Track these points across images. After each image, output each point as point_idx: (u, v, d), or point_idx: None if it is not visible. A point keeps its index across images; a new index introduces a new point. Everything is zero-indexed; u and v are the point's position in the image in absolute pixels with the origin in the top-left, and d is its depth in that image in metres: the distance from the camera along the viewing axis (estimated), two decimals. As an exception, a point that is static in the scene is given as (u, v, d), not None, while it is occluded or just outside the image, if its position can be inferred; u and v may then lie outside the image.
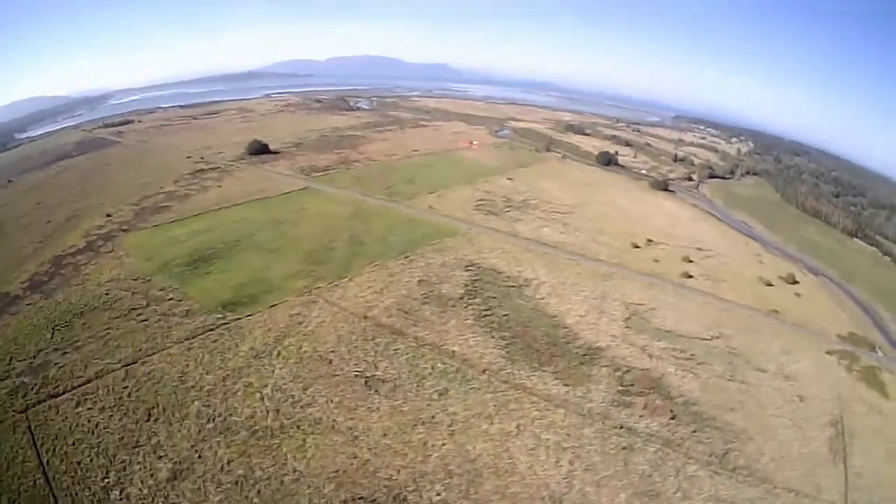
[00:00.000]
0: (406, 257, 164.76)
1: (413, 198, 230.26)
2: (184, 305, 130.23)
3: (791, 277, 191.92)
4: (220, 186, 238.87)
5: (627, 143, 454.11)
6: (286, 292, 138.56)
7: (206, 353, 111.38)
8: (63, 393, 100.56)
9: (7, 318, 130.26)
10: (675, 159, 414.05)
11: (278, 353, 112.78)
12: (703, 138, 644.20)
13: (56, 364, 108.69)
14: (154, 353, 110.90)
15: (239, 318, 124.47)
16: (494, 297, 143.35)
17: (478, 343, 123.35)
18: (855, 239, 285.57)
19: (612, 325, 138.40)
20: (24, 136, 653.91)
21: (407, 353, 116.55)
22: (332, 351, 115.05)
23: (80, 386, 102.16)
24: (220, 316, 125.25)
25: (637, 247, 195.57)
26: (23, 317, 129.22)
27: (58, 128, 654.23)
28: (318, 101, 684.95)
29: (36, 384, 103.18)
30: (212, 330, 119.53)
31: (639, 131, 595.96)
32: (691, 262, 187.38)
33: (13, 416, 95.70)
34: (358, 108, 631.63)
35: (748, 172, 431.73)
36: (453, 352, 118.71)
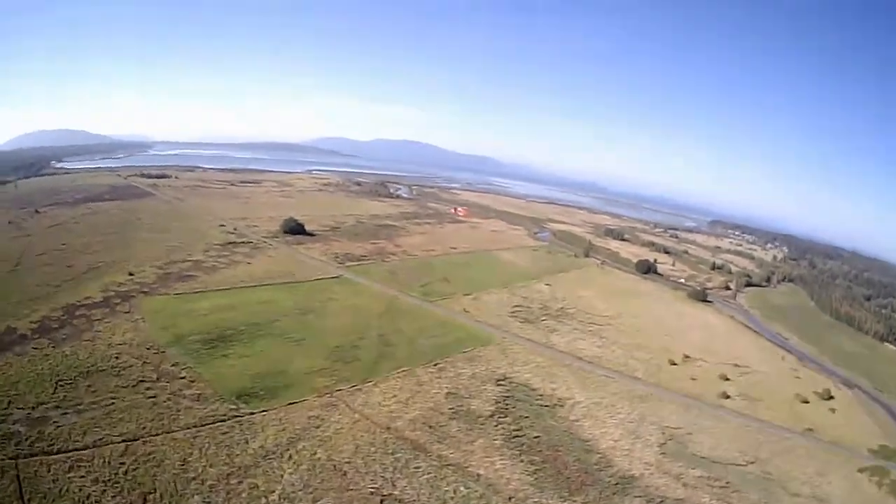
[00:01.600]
0: (436, 365, 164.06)
1: (448, 298, 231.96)
2: (196, 388, 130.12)
3: (826, 393, 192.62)
4: (249, 263, 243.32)
5: (666, 251, 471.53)
6: (305, 390, 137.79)
7: (212, 444, 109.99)
8: (58, 453, 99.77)
9: (11, 356, 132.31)
10: (713, 267, 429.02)
11: (290, 457, 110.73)
12: (740, 245, 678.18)
13: (55, 422, 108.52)
14: (158, 434, 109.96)
15: (253, 413, 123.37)
16: (526, 417, 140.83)
17: (505, 466, 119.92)
18: (886, 343, 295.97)
19: (647, 451, 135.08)
20: (59, 165, 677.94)
21: (429, 473, 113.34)
22: (348, 462, 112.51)
23: (75, 450, 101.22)
24: (232, 406, 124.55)
25: (674, 364, 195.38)
26: (27, 360, 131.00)
27: (94, 166, 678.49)
28: (358, 184, 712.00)
29: (31, 437, 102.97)
30: (222, 420, 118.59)
31: (677, 237, 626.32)
32: (728, 380, 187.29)
33: (3, 460, 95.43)
34: (398, 196, 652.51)
35: (784, 279, 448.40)
36: (478, 475, 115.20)
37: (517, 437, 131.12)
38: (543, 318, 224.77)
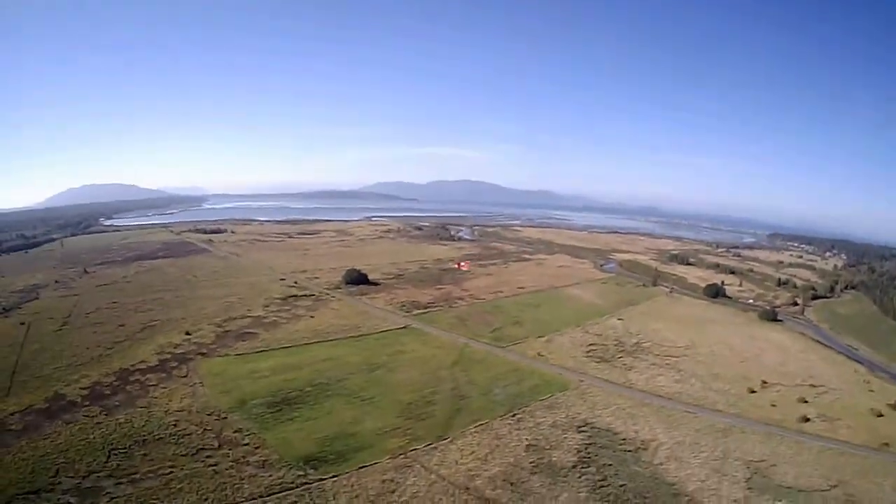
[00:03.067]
0: (514, 415, 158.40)
1: (521, 342, 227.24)
2: (260, 454, 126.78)
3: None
4: (312, 317, 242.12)
5: (732, 271, 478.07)
6: (378, 452, 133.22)
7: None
8: None
9: (60, 425, 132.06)
10: (779, 283, 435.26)
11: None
12: (800, 256, 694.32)
13: (108, 493, 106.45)
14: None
15: (322, 479, 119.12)
16: (610, 465, 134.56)
17: None
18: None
19: (734, 488, 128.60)
20: (109, 223, 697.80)
21: None
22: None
23: None
24: (300, 473, 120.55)
25: (753, 391, 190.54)
26: (77, 428, 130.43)
27: (146, 222, 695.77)
28: (419, 229, 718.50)
29: None
30: (290, 489, 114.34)
31: (739, 255, 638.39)
32: (807, 402, 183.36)
33: None
34: (460, 238, 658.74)
35: (846, 287, 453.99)
36: None
37: (603, 487, 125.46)
38: (619, 355, 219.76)
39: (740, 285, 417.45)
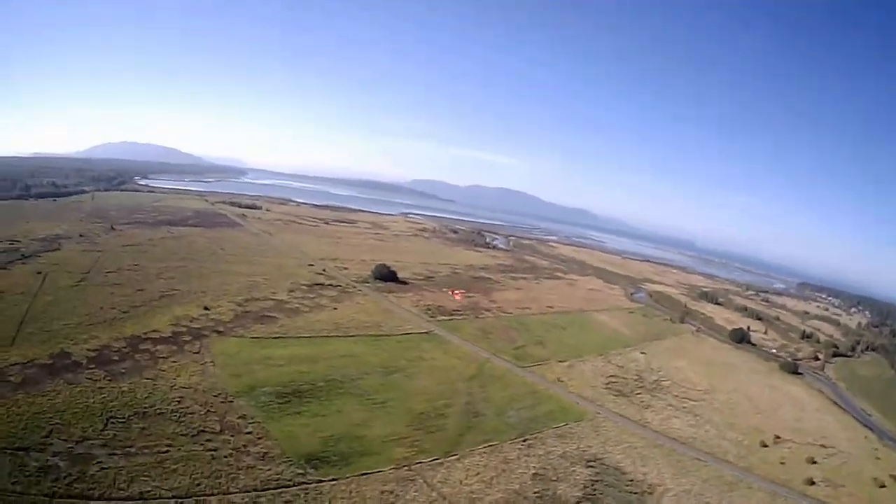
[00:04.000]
0: (524, 440, 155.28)
1: (542, 364, 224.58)
2: (262, 445, 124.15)
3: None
4: (335, 309, 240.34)
5: (758, 317, 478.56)
6: (382, 460, 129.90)
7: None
8: (98, 499, 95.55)
9: (61, 384, 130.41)
10: (803, 336, 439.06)
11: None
12: (826, 309, 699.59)
13: (99, 462, 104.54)
14: (213, 495, 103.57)
15: (322, 481, 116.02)
16: None
17: None
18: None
19: None
20: (143, 182, 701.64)
21: None
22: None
23: (118, 500, 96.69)
24: (300, 471, 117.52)
25: (765, 445, 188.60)
26: (78, 390, 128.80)
27: (182, 187, 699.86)
28: (455, 232, 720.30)
29: (71, 474, 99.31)
30: (287, 486, 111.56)
31: (767, 301, 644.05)
32: (815, 462, 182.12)
33: (36, 496, 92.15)
34: (494, 247, 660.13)
35: (867, 348, 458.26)
36: None
37: None
38: (638, 391, 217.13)
39: (765, 332, 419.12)
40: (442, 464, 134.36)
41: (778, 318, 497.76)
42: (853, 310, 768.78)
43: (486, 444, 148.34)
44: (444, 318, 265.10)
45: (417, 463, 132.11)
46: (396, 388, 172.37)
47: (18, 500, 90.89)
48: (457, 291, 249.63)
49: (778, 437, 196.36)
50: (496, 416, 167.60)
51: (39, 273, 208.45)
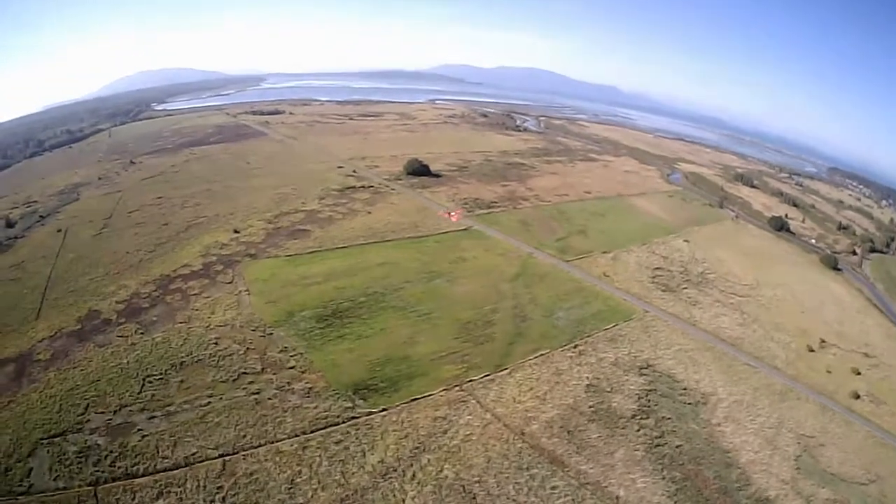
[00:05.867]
0: (575, 346, 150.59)
1: (585, 257, 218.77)
2: (306, 380, 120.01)
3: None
4: (369, 212, 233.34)
5: (795, 204, 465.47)
6: (432, 381, 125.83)
7: (324, 458, 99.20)
8: (144, 475, 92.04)
9: (92, 349, 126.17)
10: (839, 227, 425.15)
11: (413, 476, 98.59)
12: (858, 199, 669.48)
13: (140, 430, 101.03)
14: (261, 446, 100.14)
15: (371, 413, 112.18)
16: (669, 418, 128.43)
17: (646, 486, 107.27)
18: None
19: (784, 465, 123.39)
20: (161, 107, 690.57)
21: (566, 495, 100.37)
22: (478, 481, 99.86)
23: (164, 471, 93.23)
24: (348, 405, 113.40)
25: (812, 350, 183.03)
26: (111, 352, 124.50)
27: (201, 105, 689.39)
28: (485, 116, 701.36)
29: (112, 451, 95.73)
30: (336, 424, 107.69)
31: (801, 186, 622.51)
32: (860, 374, 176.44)
33: (80, 486, 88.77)
34: (525, 129, 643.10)
35: None
36: (617, 497, 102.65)
37: (659, 446, 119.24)
38: (684, 285, 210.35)
39: (803, 221, 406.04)
40: (493, 380, 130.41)
41: (813, 206, 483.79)
42: (884, 202, 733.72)
43: (536, 354, 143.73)
44: (482, 211, 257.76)
45: (468, 381, 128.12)
46: (440, 296, 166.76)
47: (62, 496, 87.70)
48: (453, 212, 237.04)
49: (823, 342, 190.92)
50: (544, 320, 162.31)
51: (59, 231, 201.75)
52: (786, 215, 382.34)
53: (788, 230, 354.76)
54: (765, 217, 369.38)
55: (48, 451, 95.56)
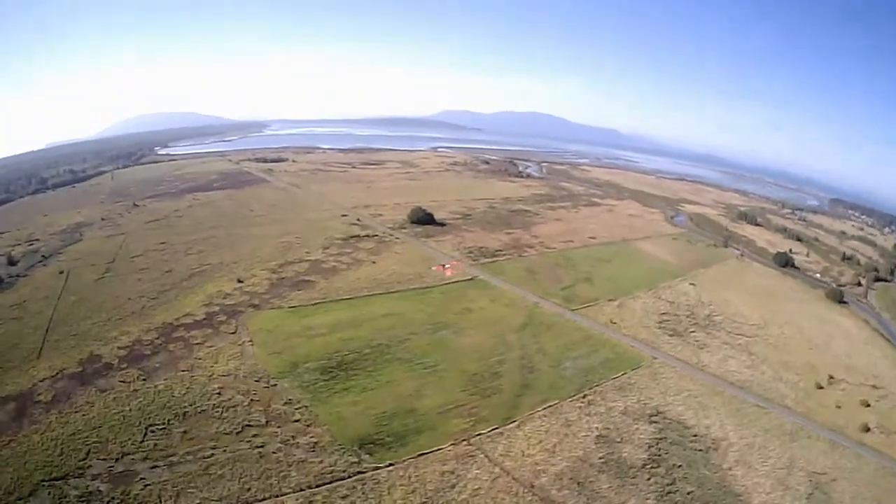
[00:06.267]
0: (584, 396, 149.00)
1: (591, 305, 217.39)
2: (311, 434, 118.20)
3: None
4: (374, 262, 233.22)
5: (798, 238, 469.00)
6: (439, 436, 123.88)
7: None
8: None
9: (93, 393, 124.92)
10: (843, 258, 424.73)
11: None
12: (861, 229, 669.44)
13: (142, 479, 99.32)
14: (265, 500, 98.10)
15: (378, 468, 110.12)
16: (680, 466, 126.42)
17: None
18: None
19: None
20: (164, 151, 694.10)
21: None
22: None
23: None
24: (354, 459, 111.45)
25: (821, 387, 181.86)
26: (112, 398, 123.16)
27: (203, 150, 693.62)
28: (487, 163, 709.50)
29: (114, 499, 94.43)
30: (342, 479, 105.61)
31: (804, 220, 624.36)
32: (869, 406, 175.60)
33: None
34: (528, 175, 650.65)
35: None
36: None
37: (671, 493, 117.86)
38: (692, 329, 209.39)
39: (807, 255, 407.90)
40: (502, 433, 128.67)
41: (817, 239, 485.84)
42: (886, 230, 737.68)
43: (545, 405, 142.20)
44: (487, 260, 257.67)
45: (476, 435, 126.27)
46: (446, 348, 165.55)
47: None
48: (448, 265, 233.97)
49: (832, 378, 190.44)
50: (552, 370, 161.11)
51: (62, 272, 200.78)
52: (790, 250, 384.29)
53: (793, 265, 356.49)
54: (769, 254, 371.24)
55: (49, 493, 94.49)
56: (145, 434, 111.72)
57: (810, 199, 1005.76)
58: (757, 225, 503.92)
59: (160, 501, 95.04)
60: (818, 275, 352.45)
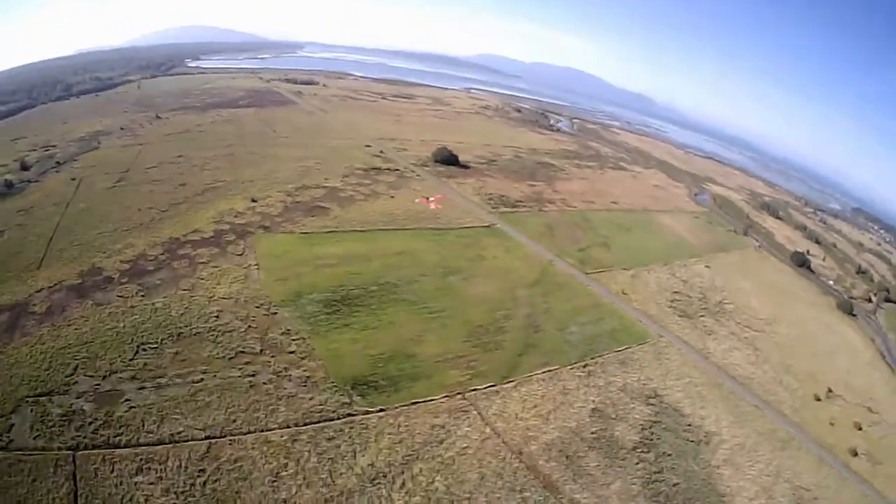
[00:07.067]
0: (585, 366, 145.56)
1: (606, 271, 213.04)
2: (305, 368, 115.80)
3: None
4: (392, 196, 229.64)
5: (817, 240, 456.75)
6: (434, 385, 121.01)
7: (314, 454, 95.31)
8: (125, 446, 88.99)
9: (89, 307, 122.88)
10: (858, 271, 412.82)
11: (402, 484, 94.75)
12: (879, 244, 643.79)
13: (128, 400, 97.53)
14: (250, 433, 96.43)
15: (368, 412, 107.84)
16: (669, 455, 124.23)
17: None
18: None
19: None
20: (194, 64, 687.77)
21: None
22: (469, 498, 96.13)
23: (148, 445, 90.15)
24: (345, 400, 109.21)
25: (818, 399, 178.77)
26: (108, 313, 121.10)
27: (235, 66, 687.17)
28: (519, 111, 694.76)
29: (97, 419, 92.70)
30: (330, 420, 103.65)
31: (824, 223, 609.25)
32: (861, 429, 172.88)
33: (59, 449, 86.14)
34: (558, 129, 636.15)
35: None
36: None
37: (656, 482, 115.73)
38: (702, 313, 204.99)
39: (824, 260, 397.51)
40: (497, 392, 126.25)
41: (835, 245, 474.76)
42: None
43: (545, 369, 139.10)
44: (507, 209, 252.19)
45: (472, 390, 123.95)
46: (454, 294, 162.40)
47: (40, 457, 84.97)
48: (432, 199, 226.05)
49: (830, 392, 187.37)
50: (557, 333, 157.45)
51: (74, 179, 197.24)
52: (807, 251, 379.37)
53: (809, 267, 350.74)
54: (787, 250, 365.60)
55: (32, 411, 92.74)
56: (136, 352, 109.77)
57: (833, 202, 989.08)
58: (778, 218, 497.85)
59: (143, 425, 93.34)
60: (832, 282, 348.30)
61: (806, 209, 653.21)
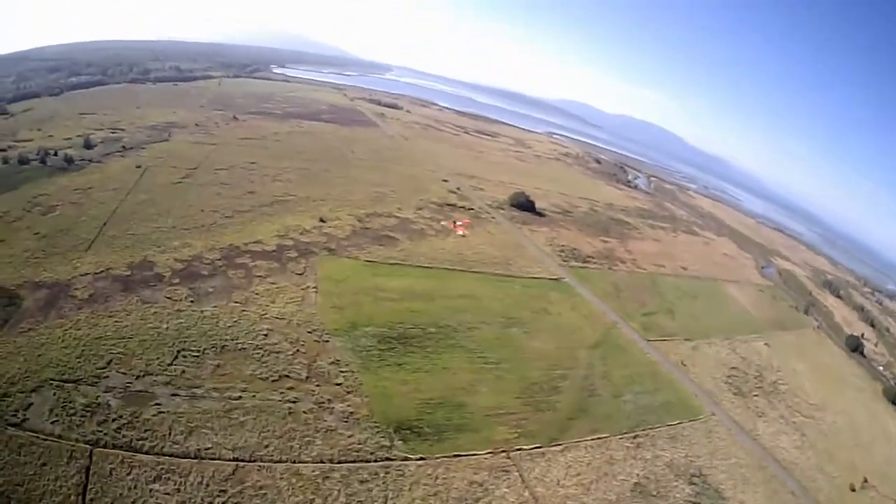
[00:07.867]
0: (635, 436, 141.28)
1: (668, 340, 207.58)
2: (350, 402, 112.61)
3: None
4: (464, 236, 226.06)
5: (872, 324, 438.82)
6: (480, 440, 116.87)
7: (343, 494, 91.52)
8: (147, 452, 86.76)
9: (134, 301, 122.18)
10: None
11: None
12: None
13: (158, 405, 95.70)
14: (280, 462, 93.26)
15: (407, 459, 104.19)
16: None
17: None
18: None
19: None
20: (279, 70, 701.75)
21: None
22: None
23: (171, 456, 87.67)
24: (385, 443, 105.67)
25: (853, 489, 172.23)
26: (152, 311, 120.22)
27: (320, 78, 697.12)
28: (598, 162, 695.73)
29: (122, 417, 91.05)
30: (366, 461, 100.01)
31: (881, 304, 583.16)
32: None
33: (77, 441, 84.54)
34: (635, 186, 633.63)
35: None
36: None
37: None
38: (756, 392, 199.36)
39: (876, 345, 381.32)
40: (543, 454, 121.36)
41: (888, 330, 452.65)
42: None
43: (594, 436, 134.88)
44: (577, 264, 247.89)
45: (517, 449, 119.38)
46: (513, 346, 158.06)
47: (55, 444, 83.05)
48: (460, 223, 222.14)
49: (866, 482, 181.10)
50: (612, 399, 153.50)
51: (139, 167, 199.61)
52: (862, 335, 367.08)
53: (861, 352, 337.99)
54: (843, 331, 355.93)
55: (54, 394, 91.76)
56: (175, 357, 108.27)
57: (892, 284, 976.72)
58: (838, 297, 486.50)
59: (170, 434, 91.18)
60: (881, 367, 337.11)
61: (864, 289, 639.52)
